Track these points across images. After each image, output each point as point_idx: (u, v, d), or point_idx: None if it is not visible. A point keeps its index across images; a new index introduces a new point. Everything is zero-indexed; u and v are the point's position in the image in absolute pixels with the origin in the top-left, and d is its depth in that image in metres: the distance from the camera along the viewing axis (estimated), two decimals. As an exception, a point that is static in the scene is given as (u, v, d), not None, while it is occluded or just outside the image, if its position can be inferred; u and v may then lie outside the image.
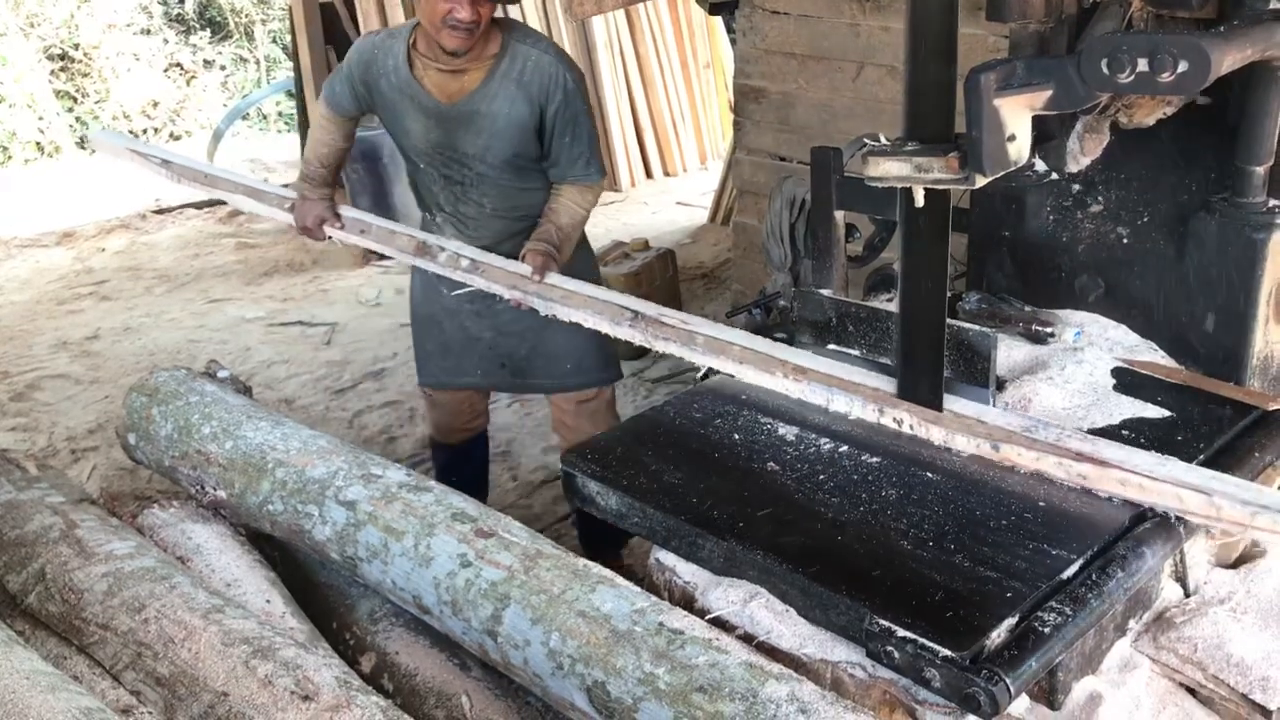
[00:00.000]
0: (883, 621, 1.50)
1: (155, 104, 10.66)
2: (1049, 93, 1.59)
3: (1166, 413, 1.96)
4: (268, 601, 1.94)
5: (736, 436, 2.01)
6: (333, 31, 7.12)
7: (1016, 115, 1.58)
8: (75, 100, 10.40)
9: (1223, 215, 2.03)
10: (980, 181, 1.60)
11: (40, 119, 9.90)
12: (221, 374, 2.52)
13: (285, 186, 3.34)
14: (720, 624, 1.65)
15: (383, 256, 3.33)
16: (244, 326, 5.49)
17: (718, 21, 7.40)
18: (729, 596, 1.69)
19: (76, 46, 10.47)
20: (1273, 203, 2.02)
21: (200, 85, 11.01)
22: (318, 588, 2.12)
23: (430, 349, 3.02)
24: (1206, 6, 1.81)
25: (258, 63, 11.38)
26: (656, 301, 2.40)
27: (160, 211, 7.46)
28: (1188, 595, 1.79)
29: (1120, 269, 2.22)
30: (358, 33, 7.00)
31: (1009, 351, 2.17)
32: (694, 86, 8.03)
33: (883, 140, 1.72)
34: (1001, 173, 1.60)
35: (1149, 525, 1.67)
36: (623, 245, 5.18)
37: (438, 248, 2.72)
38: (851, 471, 1.88)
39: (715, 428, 2.05)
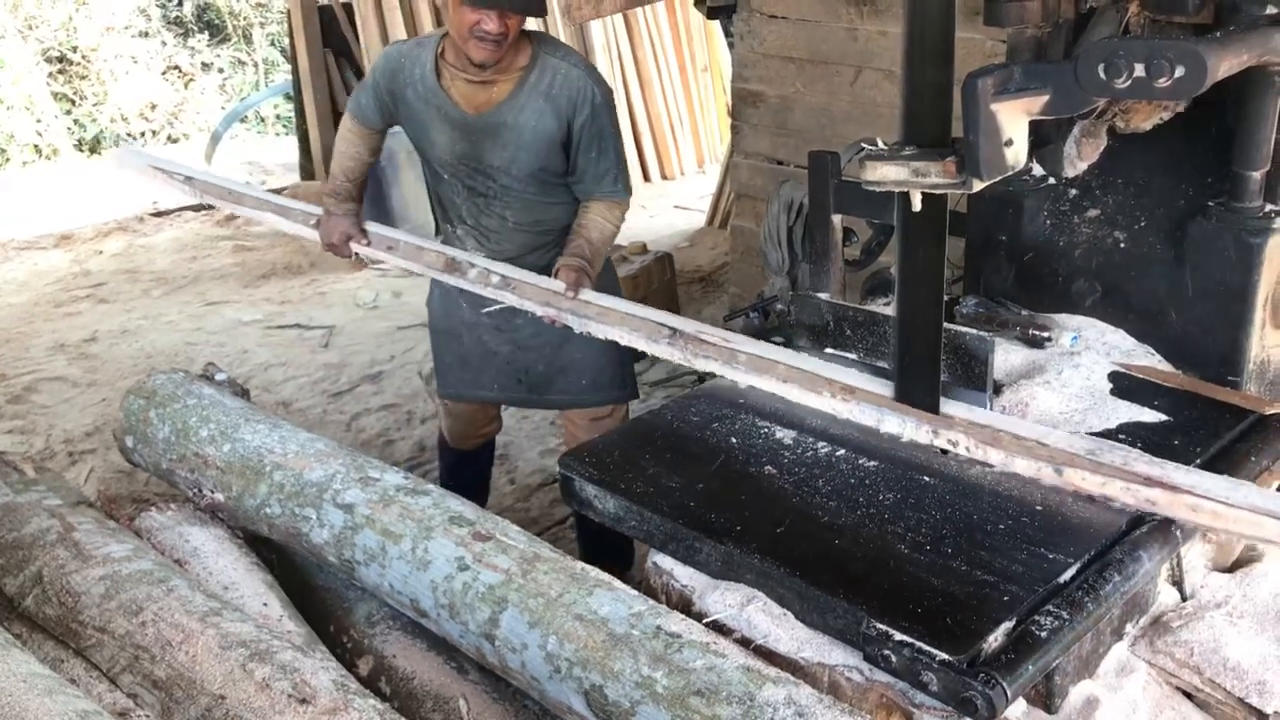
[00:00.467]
0: (880, 625, 1.50)
1: (153, 106, 10.67)
2: (1046, 98, 1.59)
3: (1163, 417, 1.97)
4: (265, 604, 1.93)
5: (734, 440, 2.02)
6: (331, 35, 7.14)
7: (1013, 120, 1.58)
8: (73, 102, 10.40)
9: (1219, 220, 2.03)
10: (977, 186, 1.60)
11: (38, 121, 9.90)
12: (219, 376, 2.51)
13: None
14: (718, 627, 1.65)
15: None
16: (241, 329, 5.48)
17: (715, 25, 7.40)
18: (726, 600, 1.70)
19: (75, 49, 10.47)
20: (1269, 207, 2.02)
21: (198, 88, 11.02)
22: (315, 591, 2.12)
23: (449, 361, 3.00)
24: (1203, 12, 1.82)
25: (256, 66, 11.38)
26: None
27: (158, 214, 7.45)
28: (1184, 599, 1.80)
29: (1117, 273, 2.22)
30: (356, 36, 7.01)
31: (1006, 356, 2.16)
32: (692, 90, 8.05)
33: (880, 144, 1.72)
34: (998, 177, 1.60)
35: (1145, 530, 1.67)
36: (620, 249, 5.17)
37: (467, 264, 2.66)
38: (849, 475, 1.88)
39: (713, 431, 2.05)
